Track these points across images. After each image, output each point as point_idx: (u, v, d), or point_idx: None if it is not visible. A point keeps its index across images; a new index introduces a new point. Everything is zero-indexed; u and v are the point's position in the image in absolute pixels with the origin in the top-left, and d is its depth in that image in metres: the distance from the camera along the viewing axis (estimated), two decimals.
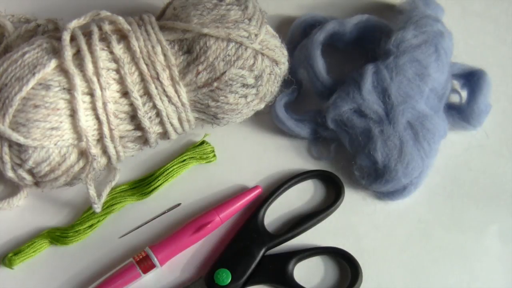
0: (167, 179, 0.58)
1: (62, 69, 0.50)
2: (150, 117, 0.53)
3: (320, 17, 0.63)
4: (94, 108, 0.50)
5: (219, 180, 0.59)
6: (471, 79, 0.61)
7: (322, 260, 0.56)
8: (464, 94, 0.62)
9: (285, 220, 0.58)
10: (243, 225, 0.56)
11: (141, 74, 0.51)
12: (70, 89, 0.49)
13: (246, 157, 0.60)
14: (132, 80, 0.51)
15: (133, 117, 0.52)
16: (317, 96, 0.61)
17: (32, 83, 0.49)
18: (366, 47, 0.62)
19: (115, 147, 0.52)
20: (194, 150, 0.59)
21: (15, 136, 0.49)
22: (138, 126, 0.53)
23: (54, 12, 0.61)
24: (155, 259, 0.53)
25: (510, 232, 0.58)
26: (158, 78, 0.51)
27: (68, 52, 0.50)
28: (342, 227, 0.58)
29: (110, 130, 0.51)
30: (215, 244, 0.56)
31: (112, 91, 0.51)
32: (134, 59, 0.51)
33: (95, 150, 0.51)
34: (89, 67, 0.50)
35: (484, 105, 0.60)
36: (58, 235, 0.55)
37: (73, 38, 0.51)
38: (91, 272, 0.55)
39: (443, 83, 0.59)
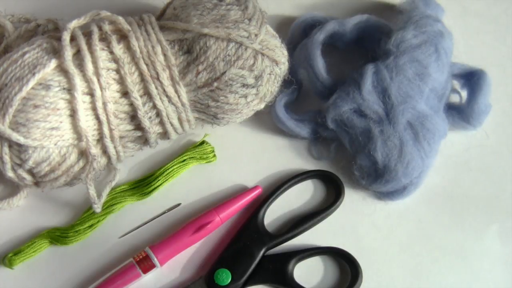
0: (167, 179, 0.58)
1: (62, 69, 0.50)
2: (150, 117, 0.53)
3: (320, 17, 0.63)
4: (94, 108, 0.50)
5: (219, 180, 0.59)
6: (471, 79, 0.61)
7: (322, 260, 0.56)
8: (464, 94, 0.62)
9: (285, 220, 0.58)
10: (243, 225, 0.56)
11: (141, 74, 0.51)
12: (70, 89, 0.49)
13: (246, 157, 0.60)
14: (132, 80, 0.51)
15: (133, 117, 0.52)
16: (317, 96, 0.61)
17: (32, 83, 0.49)
18: (366, 47, 0.62)
19: (115, 147, 0.52)
20: (194, 150, 0.59)
21: (15, 136, 0.49)
22: (138, 126, 0.53)
23: (54, 12, 0.61)
24: (155, 259, 0.53)
25: (510, 232, 0.58)
26: (158, 78, 0.51)
27: (68, 52, 0.50)
28: (342, 227, 0.58)
29: (110, 130, 0.51)
30: (215, 244, 0.56)
31: (112, 91, 0.51)
32: (134, 59, 0.51)
33: (95, 150, 0.51)
34: (89, 67, 0.50)
35: (484, 105, 0.60)
36: (58, 235, 0.55)
37: (73, 38, 0.51)
38: (91, 272, 0.55)
39: (443, 83, 0.59)
